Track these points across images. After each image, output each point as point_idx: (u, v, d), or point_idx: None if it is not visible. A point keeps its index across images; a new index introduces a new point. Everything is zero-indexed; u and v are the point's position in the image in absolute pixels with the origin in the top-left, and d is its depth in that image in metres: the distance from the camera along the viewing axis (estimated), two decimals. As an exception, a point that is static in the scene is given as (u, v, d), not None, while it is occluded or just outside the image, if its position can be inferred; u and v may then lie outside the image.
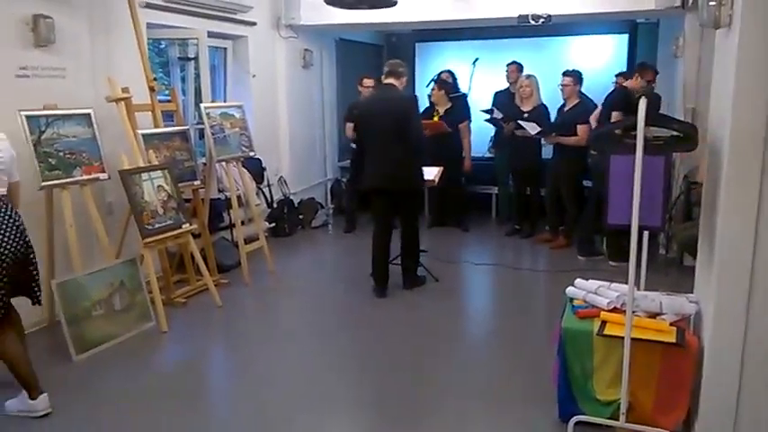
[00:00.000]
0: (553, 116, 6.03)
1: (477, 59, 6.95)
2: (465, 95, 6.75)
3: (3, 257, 2.92)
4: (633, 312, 2.62)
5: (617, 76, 5.77)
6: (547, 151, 6.16)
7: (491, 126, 6.54)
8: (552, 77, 5.95)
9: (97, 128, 4.13)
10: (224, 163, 5.24)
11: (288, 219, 6.64)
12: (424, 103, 6.32)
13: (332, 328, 4.26)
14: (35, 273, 3.15)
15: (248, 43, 6.30)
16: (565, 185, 5.86)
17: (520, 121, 5.99)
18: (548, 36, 7.02)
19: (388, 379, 3.49)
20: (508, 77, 6.66)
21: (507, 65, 6.70)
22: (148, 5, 4.87)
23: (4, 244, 2.92)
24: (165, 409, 3.15)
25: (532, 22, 5.69)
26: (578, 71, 5.75)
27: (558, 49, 7.33)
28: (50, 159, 3.84)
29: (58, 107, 3.95)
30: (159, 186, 4.33)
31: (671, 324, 2.73)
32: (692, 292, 3.05)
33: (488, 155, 6.90)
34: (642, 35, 7.14)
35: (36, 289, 3.17)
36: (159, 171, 4.38)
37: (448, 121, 6.32)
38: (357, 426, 3.10)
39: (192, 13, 5.42)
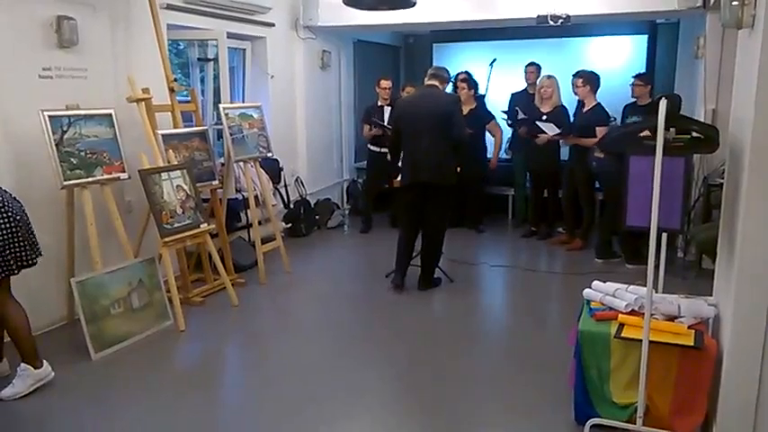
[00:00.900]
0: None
1: (494, 60, 6.92)
2: (482, 96, 6.73)
3: (12, 214, 3.05)
4: (651, 315, 2.60)
5: (634, 77, 5.71)
6: (565, 152, 6.13)
7: (509, 127, 6.51)
8: (570, 79, 5.90)
9: (118, 128, 4.18)
10: (242, 163, 5.28)
11: (304, 219, 6.67)
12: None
13: (348, 327, 4.28)
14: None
15: (267, 44, 6.33)
16: (582, 187, 5.82)
17: (538, 122, 5.95)
18: (566, 37, 6.96)
19: (406, 379, 3.50)
20: (527, 78, 6.63)
21: (526, 66, 6.66)
22: (169, 7, 4.93)
23: (6, 202, 3.07)
24: (183, 407, 3.18)
25: (551, 23, 5.63)
26: (591, 72, 5.67)
27: (576, 50, 7.26)
28: (72, 159, 3.88)
29: (80, 107, 4.00)
30: (178, 186, 4.37)
31: (689, 327, 2.71)
32: (710, 296, 3.02)
33: (506, 156, 6.88)
34: (662, 36, 7.06)
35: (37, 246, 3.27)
36: (178, 171, 4.42)
37: (472, 122, 6.28)
38: (373, 420, 3.09)
39: (211, 14, 5.47)
